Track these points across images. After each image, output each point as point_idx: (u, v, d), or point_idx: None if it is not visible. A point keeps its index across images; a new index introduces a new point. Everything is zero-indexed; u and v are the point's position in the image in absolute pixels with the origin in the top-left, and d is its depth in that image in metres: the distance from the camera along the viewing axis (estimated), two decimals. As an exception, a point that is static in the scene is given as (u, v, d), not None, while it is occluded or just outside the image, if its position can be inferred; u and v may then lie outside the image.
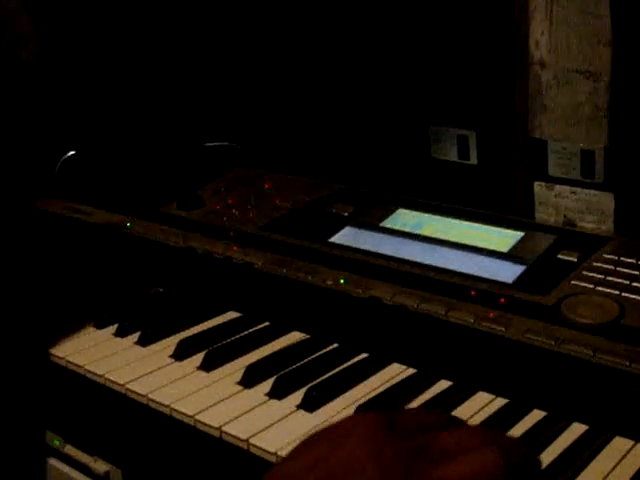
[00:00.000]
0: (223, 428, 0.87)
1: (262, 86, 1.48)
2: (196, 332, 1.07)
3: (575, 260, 1.01)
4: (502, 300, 0.96)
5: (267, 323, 1.08)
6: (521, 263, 1.03)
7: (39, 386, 1.08)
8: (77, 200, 1.38)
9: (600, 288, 0.95)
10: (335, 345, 1.02)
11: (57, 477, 1.09)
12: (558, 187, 1.14)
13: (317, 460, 0.59)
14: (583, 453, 0.79)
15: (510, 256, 1.05)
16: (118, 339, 1.07)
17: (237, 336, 1.05)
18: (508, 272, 1.01)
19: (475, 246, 1.08)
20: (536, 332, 0.89)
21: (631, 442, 0.81)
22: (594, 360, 0.84)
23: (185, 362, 1.01)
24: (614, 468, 0.77)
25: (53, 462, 1.10)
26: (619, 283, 0.95)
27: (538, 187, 1.16)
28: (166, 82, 1.53)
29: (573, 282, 0.97)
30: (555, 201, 1.15)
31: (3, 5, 1.40)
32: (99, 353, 1.04)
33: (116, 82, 1.50)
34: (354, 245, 1.13)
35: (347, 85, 1.36)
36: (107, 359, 1.02)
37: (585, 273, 0.98)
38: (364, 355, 0.99)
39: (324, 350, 1.01)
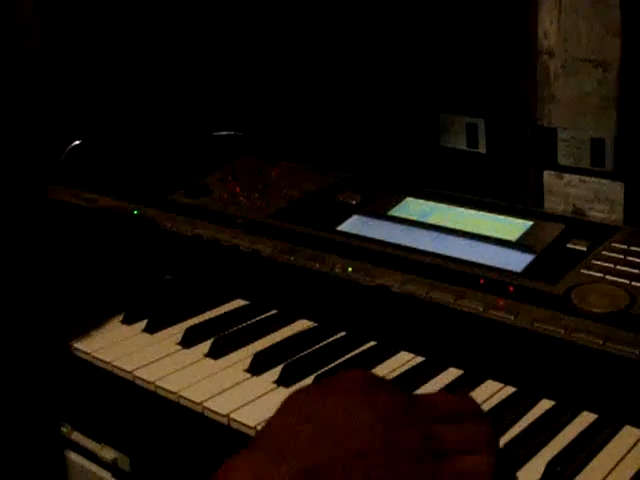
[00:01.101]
0: (231, 415, 0.87)
1: (269, 74, 1.47)
2: (204, 320, 1.07)
3: (584, 249, 1.01)
4: (511, 289, 0.95)
5: (275, 311, 1.08)
6: (530, 252, 1.03)
7: (56, 377, 1.08)
8: (84, 188, 1.38)
9: (609, 277, 0.95)
10: (343, 333, 1.02)
11: (64, 464, 1.09)
12: (567, 176, 1.14)
13: (311, 411, 0.60)
14: (592, 442, 0.79)
15: (519, 245, 1.05)
16: (125, 326, 1.07)
17: (245, 324, 1.05)
18: (517, 261, 1.01)
19: (484, 235, 1.08)
20: (545, 321, 0.89)
21: (640, 431, 0.81)
22: (603, 349, 0.84)
23: (193, 349, 1.01)
24: (623, 457, 0.77)
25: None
26: (628, 272, 0.95)
27: (547, 176, 1.16)
28: (173, 70, 1.53)
29: (582, 271, 0.96)
30: (564, 190, 1.14)
31: (9, -6, 1.40)
32: (106, 340, 1.04)
33: (122, 70, 1.50)
34: (362, 233, 1.12)
35: (355, 73, 1.35)
36: (114, 346, 1.02)
37: (594, 262, 0.98)
38: (372, 343, 0.99)
39: (332, 338, 1.01)
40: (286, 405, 0.63)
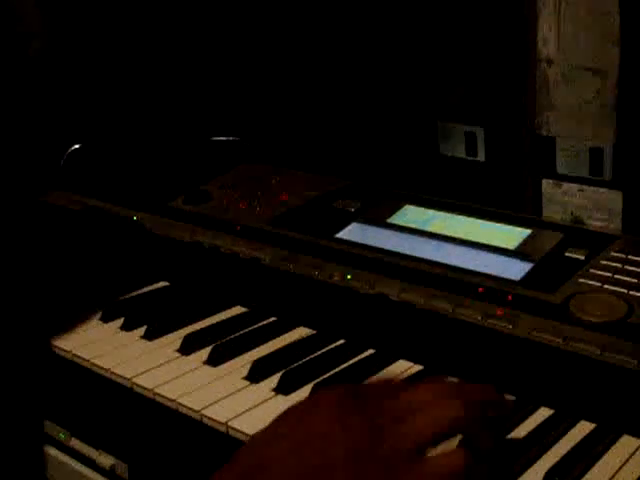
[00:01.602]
0: (229, 423, 0.87)
1: (269, 81, 1.47)
2: (202, 327, 1.07)
3: (583, 258, 1.01)
4: (509, 297, 0.95)
5: (273, 318, 1.08)
6: (528, 260, 1.03)
7: (41, 378, 1.08)
8: (83, 193, 1.38)
9: (608, 286, 0.95)
10: (342, 341, 1.02)
11: (62, 471, 1.09)
12: (566, 185, 1.14)
13: (286, 431, 0.63)
14: (590, 452, 0.79)
15: (517, 253, 1.05)
16: (124, 333, 1.07)
17: (243, 331, 1.05)
18: (515, 269, 1.01)
19: (482, 243, 1.08)
20: (543, 330, 0.89)
21: (639, 441, 0.80)
22: (602, 358, 0.84)
23: (191, 357, 1.01)
24: (621, 467, 0.77)
25: (58, 455, 1.10)
26: (627, 281, 0.95)
27: (546, 184, 1.16)
28: (173, 76, 1.53)
29: (581, 280, 0.96)
30: (563, 199, 1.14)
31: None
32: (105, 347, 1.04)
33: (123, 76, 1.50)
34: (361, 241, 1.12)
35: (355, 81, 1.36)
36: (113, 353, 1.02)
37: (593, 271, 0.98)
38: (370, 351, 0.99)
39: (330, 346, 1.01)
40: (270, 425, 0.65)
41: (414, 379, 0.93)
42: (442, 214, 1.17)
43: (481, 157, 1.23)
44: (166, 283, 1.20)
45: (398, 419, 0.62)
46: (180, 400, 0.92)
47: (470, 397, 0.65)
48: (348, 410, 0.63)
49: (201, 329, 1.06)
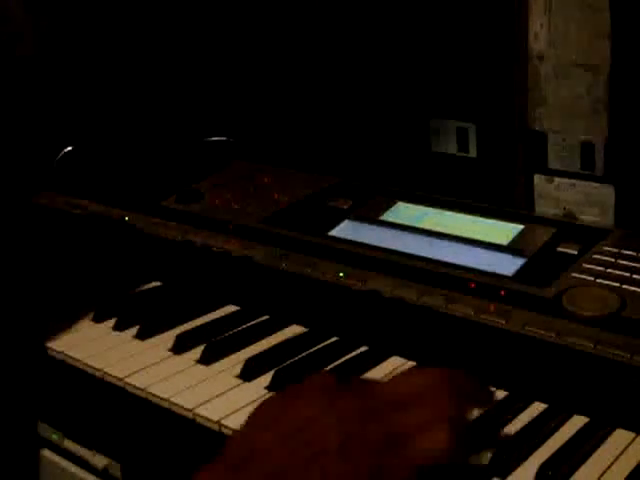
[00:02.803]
0: (222, 421, 0.87)
1: (261, 80, 1.47)
2: (195, 326, 1.07)
3: (575, 253, 1.01)
4: (502, 292, 0.95)
5: (266, 316, 1.08)
6: (521, 256, 1.03)
7: (34, 379, 1.08)
8: (75, 194, 1.37)
9: (600, 280, 0.95)
10: (334, 338, 1.01)
11: (56, 471, 1.09)
12: (558, 180, 1.14)
13: (272, 420, 0.62)
14: (584, 446, 0.79)
15: (510, 249, 1.05)
16: (116, 333, 1.07)
17: (236, 329, 1.05)
18: (508, 265, 1.01)
19: (475, 239, 1.08)
20: (536, 324, 0.89)
21: (632, 435, 0.80)
22: (595, 352, 0.84)
23: (184, 356, 1.00)
24: (615, 461, 0.77)
25: (51, 456, 1.09)
26: (619, 275, 0.95)
27: (538, 180, 1.16)
28: (164, 76, 1.53)
29: (573, 274, 0.96)
30: (555, 194, 1.14)
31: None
32: (98, 347, 1.03)
33: (114, 77, 1.50)
34: (353, 238, 1.12)
35: (346, 78, 1.35)
36: (106, 353, 1.02)
37: (585, 265, 0.98)
38: (363, 348, 0.99)
39: (323, 343, 1.00)
40: (252, 415, 0.65)
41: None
42: (434, 210, 1.17)
43: (473, 153, 1.23)
44: (158, 283, 1.20)
45: (390, 408, 0.62)
46: (173, 399, 0.91)
47: (459, 388, 0.65)
48: (334, 393, 0.62)
49: (193, 328, 1.06)
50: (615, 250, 1.00)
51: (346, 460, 0.58)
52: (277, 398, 0.66)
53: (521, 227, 1.09)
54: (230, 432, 0.85)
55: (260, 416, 0.64)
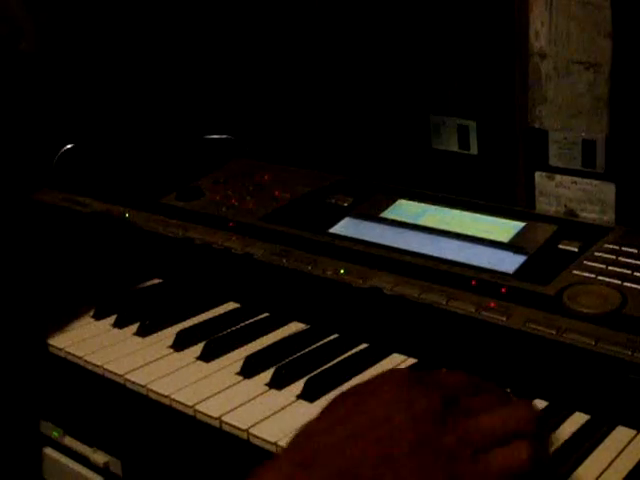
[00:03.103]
0: (223, 418, 0.86)
1: (261, 77, 1.47)
2: (195, 323, 1.06)
3: (576, 250, 1.01)
4: (503, 290, 0.95)
5: (267, 314, 1.08)
6: (522, 253, 1.02)
7: (36, 376, 1.08)
8: (75, 192, 1.37)
9: (601, 278, 0.95)
10: (335, 335, 1.01)
11: (56, 468, 1.09)
12: (559, 177, 1.14)
13: (343, 416, 0.59)
14: (585, 443, 0.79)
15: (511, 246, 1.05)
16: (117, 330, 1.07)
17: (236, 327, 1.04)
18: (509, 262, 1.01)
19: (476, 236, 1.08)
20: (537, 322, 0.89)
21: (633, 432, 0.80)
22: (596, 349, 0.84)
23: (184, 352, 1.00)
24: (616, 458, 0.77)
25: (52, 453, 1.09)
26: (620, 273, 0.95)
27: (539, 177, 1.16)
28: (164, 73, 1.52)
29: (574, 272, 0.96)
30: (556, 191, 1.14)
31: (0, -4, 1.40)
32: (98, 344, 1.03)
33: (114, 74, 1.50)
34: (354, 236, 1.12)
35: (346, 75, 1.35)
36: (106, 350, 1.02)
37: (586, 263, 0.98)
38: (364, 345, 0.99)
39: (324, 340, 1.00)
40: (324, 411, 0.62)
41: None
42: (435, 208, 1.17)
43: (474, 150, 1.23)
44: (159, 280, 1.20)
45: (466, 412, 0.60)
46: (173, 396, 0.91)
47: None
48: (408, 391, 0.59)
49: (194, 325, 1.06)
50: (616, 247, 1.00)
51: (421, 468, 0.55)
52: (349, 394, 0.62)
53: (522, 224, 1.09)
54: (230, 429, 0.86)
55: (332, 412, 0.61)
